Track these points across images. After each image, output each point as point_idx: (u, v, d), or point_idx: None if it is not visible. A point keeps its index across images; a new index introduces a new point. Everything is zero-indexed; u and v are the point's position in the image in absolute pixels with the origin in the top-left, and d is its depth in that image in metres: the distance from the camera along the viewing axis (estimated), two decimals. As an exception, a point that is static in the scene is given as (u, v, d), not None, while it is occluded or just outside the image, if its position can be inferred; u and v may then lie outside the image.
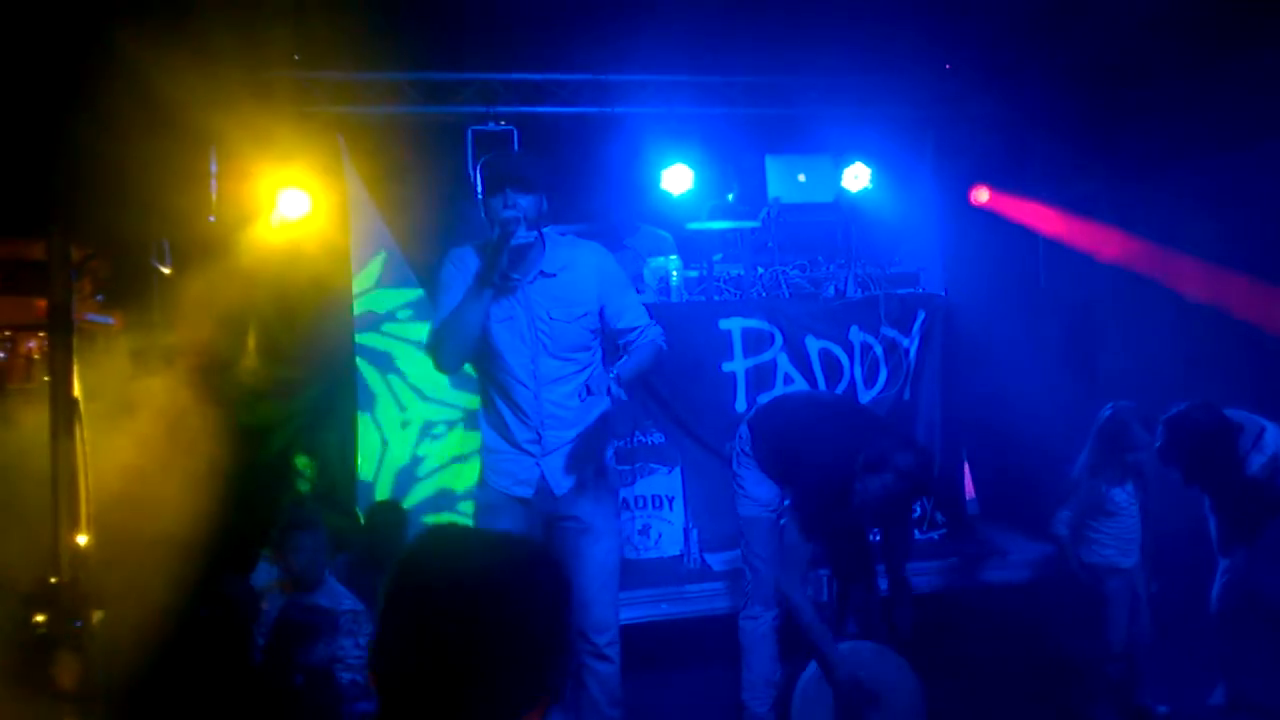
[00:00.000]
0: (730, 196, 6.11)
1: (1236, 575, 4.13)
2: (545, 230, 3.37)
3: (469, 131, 5.62)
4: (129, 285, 5.55)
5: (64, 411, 2.65)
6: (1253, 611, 4.12)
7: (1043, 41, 5.78)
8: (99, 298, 5.96)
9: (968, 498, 5.83)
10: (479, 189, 3.34)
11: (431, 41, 5.49)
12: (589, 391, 3.20)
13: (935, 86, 6.24)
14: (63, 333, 2.67)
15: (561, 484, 3.42)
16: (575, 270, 3.39)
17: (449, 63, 5.62)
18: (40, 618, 2.52)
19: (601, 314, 3.40)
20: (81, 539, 2.63)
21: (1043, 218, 6.61)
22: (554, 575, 1.28)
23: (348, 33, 5.10)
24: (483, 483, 3.52)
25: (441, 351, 3.29)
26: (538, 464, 3.40)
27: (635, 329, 3.41)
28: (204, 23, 4.07)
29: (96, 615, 2.64)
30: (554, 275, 3.36)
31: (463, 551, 1.26)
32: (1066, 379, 6.38)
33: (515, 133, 5.67)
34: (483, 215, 3.34)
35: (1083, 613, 4.22)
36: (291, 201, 5.44)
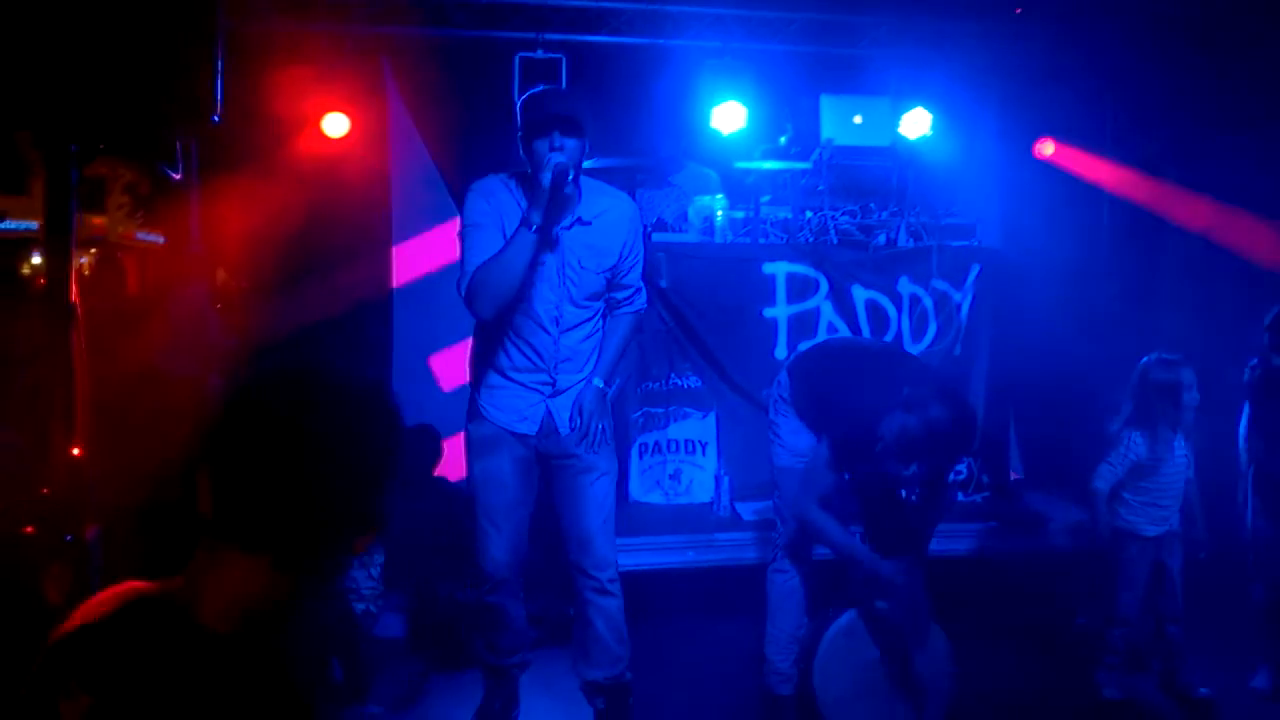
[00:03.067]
0: (783, 139, 5.88)
1: None
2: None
3: (516, 58, 5.42)
4: (166, 199, 5.49)
5: (60, 319, 2.53)
6: None
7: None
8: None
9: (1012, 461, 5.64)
10: (519, 123, 3.19)
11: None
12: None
13: (1005, 31, 5.94)
14: (57, 235, 2.54)
15: (567, 423, 3.36)
16: (608, 220, 3.32)
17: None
18: (30, 529, 2.44)
19: (617, 266, 3.35)
20: (76, 451, 2.54)
21: (1110, 175, 6.33)
22: (387, 406, 1.27)
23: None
24: (477, 417, 3.39)
25: (482, 298, 3.13)
26: (545, 402, 3.34)
27: (634, 289, 3.45)
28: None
29: (90, 530, 2.55)
30: (589, 224, 3.28)
31: (299, 383, 1.24)
32: (1124, 343, 6.15)
33: (564, 61, 5.46)
34: (521, 153, 3.22)
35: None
36: (331, 123, 5.34)
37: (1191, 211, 6.15)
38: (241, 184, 5.13)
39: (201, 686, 1.12)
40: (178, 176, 4.08)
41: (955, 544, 4.56)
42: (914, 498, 4.04)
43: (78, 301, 2.57)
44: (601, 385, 3.44)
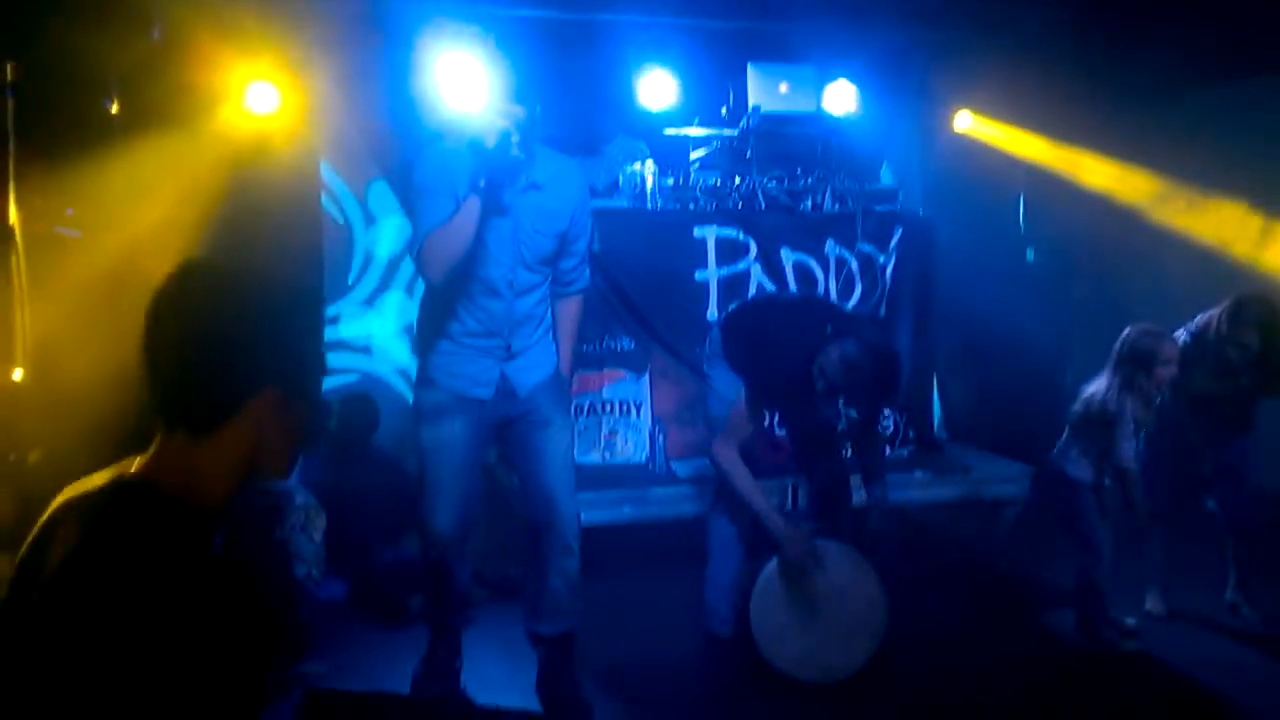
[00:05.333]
0: (724, 110, 5.96)
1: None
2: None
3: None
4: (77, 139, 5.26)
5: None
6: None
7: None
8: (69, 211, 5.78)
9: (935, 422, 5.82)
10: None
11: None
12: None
13: (925, 6, 6.09)
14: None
15: (524, 384, 3.39)
16: (560, 184, 3.35)
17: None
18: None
19: (568, 230, 3.39)
20: (17, 374, 2.50)
21: (1026, 145, 6.55)
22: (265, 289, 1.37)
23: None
24: (428, 383, 3.38)
25: (433, 263, 3.15)
26: (499, 365, 3.36)
27: (580, 258, 3.51)
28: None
29: (33, 454, 2.53)
30: (541, 188, 3.29)
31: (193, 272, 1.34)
32: (1040, 306, 6.37)
33: (494, 37, 5.47)
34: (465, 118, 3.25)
35: (1048, 530, 4.22)
36: (259, 96, 5.30)
37: (1106, 177, 6.40)
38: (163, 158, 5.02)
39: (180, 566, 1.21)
40: (115, 109, 3.96)
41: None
42: (847, 438, 4.20)
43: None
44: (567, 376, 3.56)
